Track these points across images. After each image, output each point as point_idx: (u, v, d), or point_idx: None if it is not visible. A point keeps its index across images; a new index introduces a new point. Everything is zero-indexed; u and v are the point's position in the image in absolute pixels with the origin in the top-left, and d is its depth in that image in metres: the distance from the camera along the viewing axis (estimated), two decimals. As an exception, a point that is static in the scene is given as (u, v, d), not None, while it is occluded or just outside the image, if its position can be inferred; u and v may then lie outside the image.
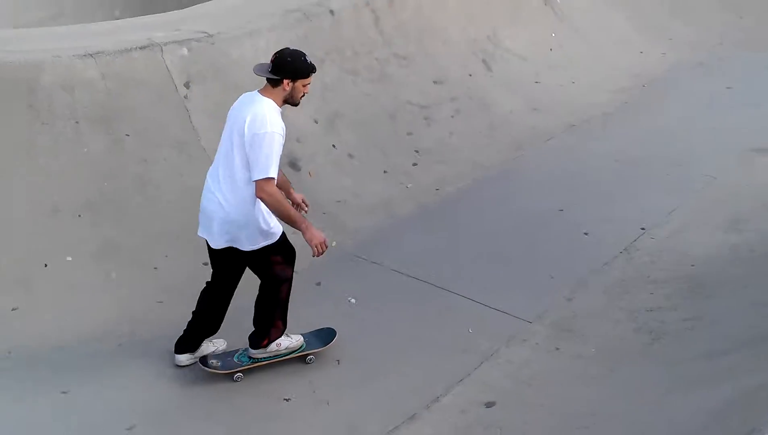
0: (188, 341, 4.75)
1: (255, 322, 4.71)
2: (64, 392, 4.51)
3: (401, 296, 5.50)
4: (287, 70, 4.29)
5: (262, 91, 4.34)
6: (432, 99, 7.92)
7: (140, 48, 6.21)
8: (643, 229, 6.28)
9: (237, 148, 4.24)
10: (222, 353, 4.80)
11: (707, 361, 4.46)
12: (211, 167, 4.52)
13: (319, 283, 5.59)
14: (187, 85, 6.30)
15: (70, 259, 5.31)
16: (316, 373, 4.72)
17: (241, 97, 4.46)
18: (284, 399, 4.51)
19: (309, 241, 4.38)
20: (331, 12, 7.57)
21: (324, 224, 6.15)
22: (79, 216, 5.48)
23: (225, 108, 6.20)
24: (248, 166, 4.22)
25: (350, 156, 6.92)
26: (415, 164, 7.15)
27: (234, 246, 4.45)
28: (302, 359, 4.79)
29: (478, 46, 8.89)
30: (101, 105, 5.90)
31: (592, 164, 7.43)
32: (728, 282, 5.38)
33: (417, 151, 7.29)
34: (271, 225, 4.45)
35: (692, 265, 5.71)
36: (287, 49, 4.47)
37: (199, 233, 4.57)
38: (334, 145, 6.89)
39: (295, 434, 4.32)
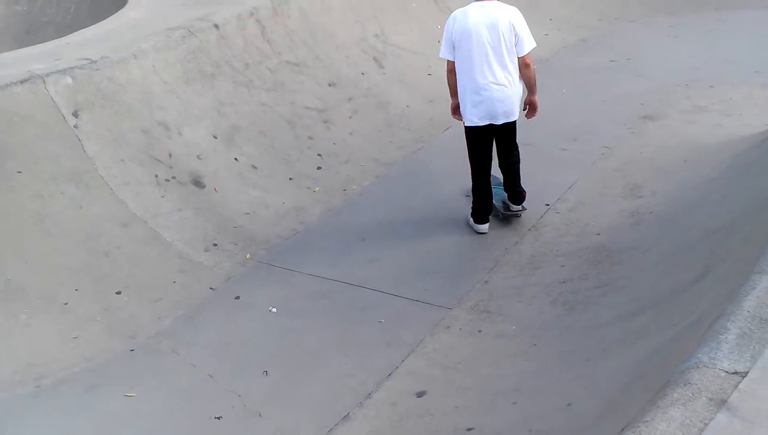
0: (484, 212, 6.13)
1: (513, 185, 6.15)
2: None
3: (321, 299, 5.51)
4: None
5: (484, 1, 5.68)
6: (329, 102, 7.94)
7: (21, 82, 6.01)
8: (547, 205, 6.47)
9: (507, 40, 5.61)
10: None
11: (621, 324, 4.63)
12: (468, 75, 5.72)
13: (237, 297, 5.54)
14: (75, 114, 6.14)
15: (-27, 306, 5.10)
16: (245, 386, 4.68)
17: (464, 12, 5.69)
18: (215, 417, 4.45)
19: (536, 103, 5.99)
20: (216, 26, 7.49)
21: (235, 238, 6.12)
22: (-22, 260, 5.27)
23: (119, 133, 6.13)
24: (515, 49, 5.65)
25: (254, 167, 6.87)
26: (319, 168, 7.17)
27: (510, 120, 5.82)
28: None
29: (367, 45, 8.97)
30: (-13, 144, 5.69)
31: (491, 148, 7.59)
32: (632, 247, 5.60)
33: (320, 155, 7.31)
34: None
35: (597, 235, 5.92)
36: None
37: (480, 123, 5.81)
38: (236, 159, 6.84)
39: (230, 452, 4.28)
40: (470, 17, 5.66)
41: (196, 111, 6.90)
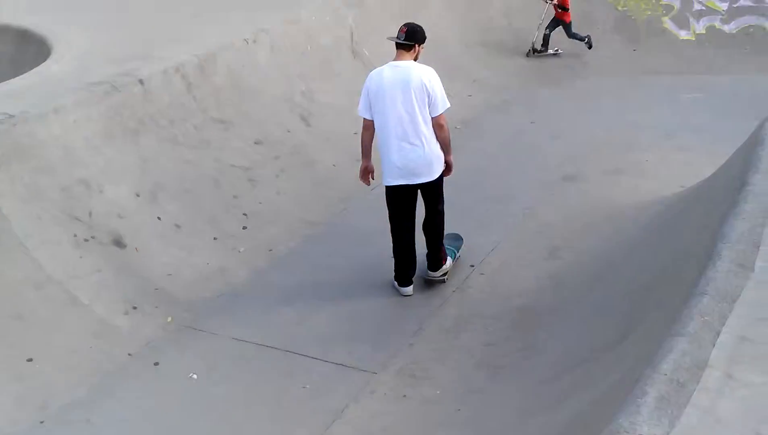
0: (406, 275, 6.08)
1: (431, 249, 6.11)
2: None
3: (245, 365, 5.40)
4: (418, 37, 5.73)
5: (399, 58, 5.73)
6: (255, 160, 7.90)
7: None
8: (472, 266, 6.53)
9: (419, 99, 5.58)
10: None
11: (546, 387, 4.67)
12: (383, 134, 5.74)
13: (157, 363, 5.38)
14: (-9, 170, 5.94)
15: None
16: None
17: (379, 71, 5.75)
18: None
19: (451, 163, 5.97)
20: (141, 81, 7.41)
21: (156, 300, 5.96)
22: None
23: (36, 190, 5.94)
24: (428, 109, 5.61)
25: (177, 226, 6.74)
26: (245, 228, 7.09)
27: (426, 180, 5.80)
28: None
29: (294, 103, 9.00)
30: None
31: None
32: (555, 308, 5.69)
33: (246, 214, 7.23)
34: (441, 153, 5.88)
35: (521, 296, 5.99)
36: (412, 23, 5.85)
37: (394, 183, 5.84)
38: (159, 217, 6.70)
39: None
40: (384, 76, 5.70)
41: (118, 168, 6.76)
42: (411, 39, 5.71)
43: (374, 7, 11.41)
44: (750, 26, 13.77)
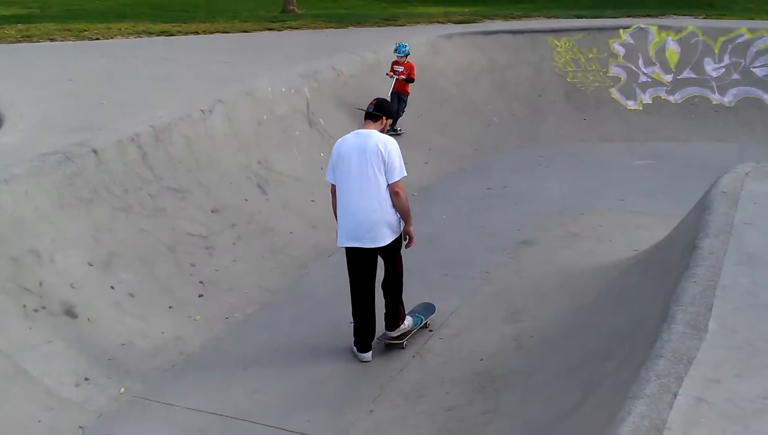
0: (365, 340, 6.10)
1: (388, 309, 6.16)
2: None
3: (200, 436, 5.25)
4: (386, 110, 6.13)
5: (365, 127, 5.99)
6: (212, 228, 7.85)
7: None
8: (431, 331, 6.51)
9: (375, 165, 5.73)
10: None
11: (507, 451, 4.62)
12: (340, 196, 5.89)
13: (109, 436, 5.21)
14: (-62, 242, 5.80)
15: None
16: None
17: (344, 138, 5.98)
18: None
19: (411, 233, 6.03)
20: (95, 151, 7.36)
21: (109, 371, 5.80)
22: None
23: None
24: (384, 175, 5.74)
25: (131, 295, 6.62)
26: (201, 296, 6.99)
27: (379, 245, 5.84)
28: None
29: (251, 172, 9.02)
30: None
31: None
32: (515, 371, 5.67)
33: (202, 283, 7.14)
34: (398, 217, 5.94)
35: (481, 360, 5.97)
36: (382, 97, 6.44)
37: (347, 245, 5.91)
38: (112, 287, 6.57)
39: None
40: (346, 142, 5.94)
41: (70, 237, 6.65)
42: (379, 110, 6.04)
43: (330, 78, 11.60)
44: (694, 96, 14.32)
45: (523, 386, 5.44)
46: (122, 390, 5.66)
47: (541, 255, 8.11)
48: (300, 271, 7.78)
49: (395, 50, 12.21)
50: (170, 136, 8.26)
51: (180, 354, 6.24)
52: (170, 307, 6.71)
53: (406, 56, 12.13)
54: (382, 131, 6.01)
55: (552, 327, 6.29)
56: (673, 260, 5.26)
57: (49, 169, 6.90)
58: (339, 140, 6.03)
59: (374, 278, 6.06)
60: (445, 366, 5.97)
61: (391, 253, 6.02)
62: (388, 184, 5.79)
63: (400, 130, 11.99)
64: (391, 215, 5.85)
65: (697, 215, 5.69)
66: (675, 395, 3.40)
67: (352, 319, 6.17)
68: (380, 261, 6.08)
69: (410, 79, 12.02)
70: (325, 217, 8.90)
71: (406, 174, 5.87)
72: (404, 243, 6.10)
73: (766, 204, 5.64)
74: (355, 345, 6.14)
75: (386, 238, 5.86)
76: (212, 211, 8.06)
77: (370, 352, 6.12)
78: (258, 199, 8.72)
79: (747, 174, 6.35)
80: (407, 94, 12.09)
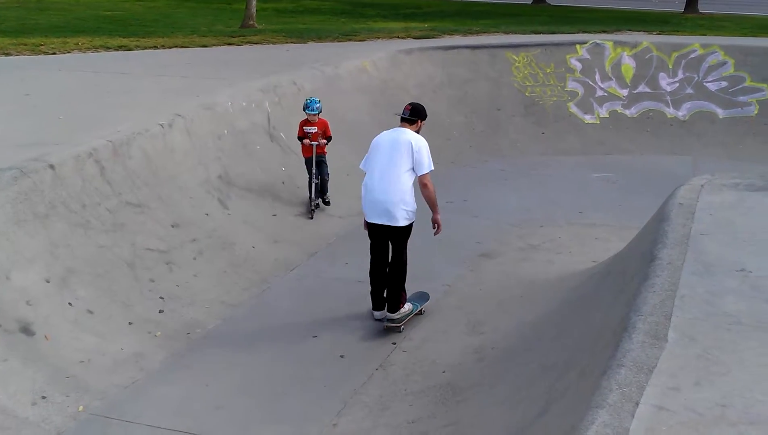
0: (379, 301, 6.86)
1: (389, 291, 6.78)
2: None
3: (161, 454, 5.17)
4: (421, 114, 6.90)
5: (403, 126, 6.80)
6: (172, 243, 7.76)
7: None
8: (394, 343, 6.52)
9: (402, 155, 6.57)
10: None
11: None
12: (368, 178, 6.74)
13: (67, 456, 5.10)
14: None
15: None
16: None
17: (383, 133, 6.88)
18: None
19: (438, 221, 6.91)
20: (51, 166, 7.23)
21: (67, 389, 5.70)
22: None
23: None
24: (412, 166, 6.58)
25: (90, 312, 6.51)
26: (161, 311, 6.90)
27: (389, 223, 6.62)
28: None
29: (211, 186, 8.95)
30: None
31: (334, 289, 7.67)
32: (477, 383, 5.70)
33: (162, 298, 7.06)
34: (414, 208, 6.71)
35: (443, 372, 5.99)
36: (416, 102, 7.11)
37: (369, 220, 6.79)
38: (70, 303, 6.46)
39: None
40: (383, 135, 6.85)
41: (26, 254, 6.53)
42: (415, 115, 6.87)
43: (290, 92, 11.58)
44: (650, 110, 14.58)
45: (485, 398, 5.46)
46: (81, 408, 5.56)
47: (502, 267, 8.17)
48: (262, 285, 7.73)
49: (305, 107, 9.81)
50: (129, 150, 8.16)
51: (140, 370, 6.15)
52: (130, 323, 6.62)
53: (318, 114, 9.81)
54: (417, 132, 6.78)
55: (513, 338, 6.33)
56: (632, 270, 5.34)
57: (4, 184, 6.77)
58: (379, 135, 6.87)
59: (388, 250, 6.84)
60: (407, 378, 5.98)
61: (400, 238, 6.75)
62: (417, 176, 6.61)
63: (328, 199, 10.00)
64: (406, 202, 6.60)
65: (655, 226, 5.79)
66: (637, 404, 3.45)
67: (315, 335, 6.16)
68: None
69: (328, 139, 9.87)
70: (286, 233, 8.92)
71: (434, 168, 6.67)
72: (433, 230, 6.90)
73: (721, 215, 5.76)
74: (372, 303, 6.95)
75: (400, 221, 6.61)
76: (172, 226, 7.98)
77: (380, 311, 6.88)
78: (219, 214, 8.66)
79: (702, 186, 6.49)
80: (325, 154, 9.91)
